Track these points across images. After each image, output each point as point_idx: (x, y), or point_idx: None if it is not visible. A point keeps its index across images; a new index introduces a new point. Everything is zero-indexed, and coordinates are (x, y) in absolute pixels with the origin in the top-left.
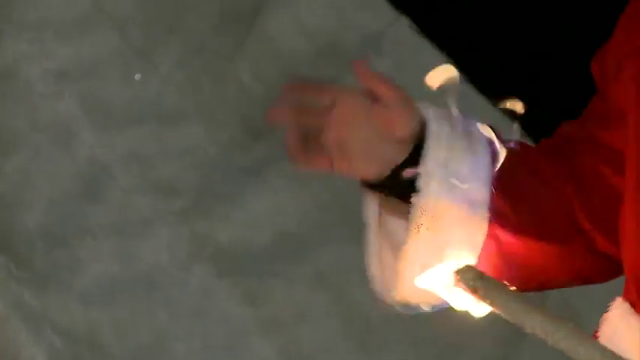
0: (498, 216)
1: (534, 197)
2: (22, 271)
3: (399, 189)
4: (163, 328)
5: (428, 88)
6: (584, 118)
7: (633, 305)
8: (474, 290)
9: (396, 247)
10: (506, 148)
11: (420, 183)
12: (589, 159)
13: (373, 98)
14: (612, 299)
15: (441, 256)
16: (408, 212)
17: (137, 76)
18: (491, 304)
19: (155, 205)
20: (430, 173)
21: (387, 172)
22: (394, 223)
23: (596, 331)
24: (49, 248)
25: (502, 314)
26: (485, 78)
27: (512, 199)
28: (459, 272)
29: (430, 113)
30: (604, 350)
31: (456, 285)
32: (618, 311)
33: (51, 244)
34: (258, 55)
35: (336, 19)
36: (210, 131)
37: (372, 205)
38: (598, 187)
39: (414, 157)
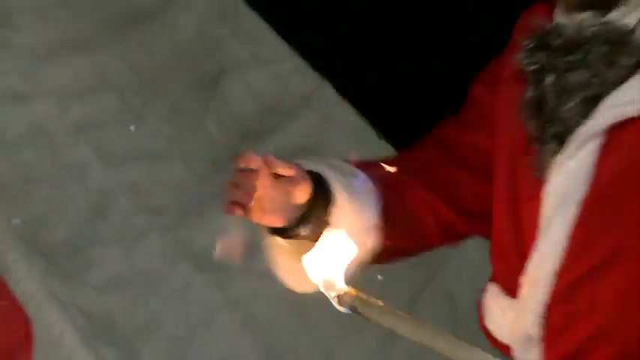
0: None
1: (402, 218)
2: (54, 270)
3: (292, 235)
4: (156, 311)
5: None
6: (458, 123)
7: (501, 287)
8: (354, 309)
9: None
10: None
11: (332, 220)
12: (456, 166)
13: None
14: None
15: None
16: (297, 251)
17: (132, 127)
18: (368, 317)
19: (148, 221)
20: (340, 207)
21: (288, 225)
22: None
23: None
24: (72, 253)
25: (377, 322)
26: (398, 132)
27: (388, 223)
28: (339, 297)
29: (329, 175)
30: (457, 341)
31: (339, 305)
32: (490, 293)
33: (73, 250)
34: (221, 111)
35: (277, 84)
36: (189, 167)
37: (271, 243)
38: (464, 192)
39: (307, 214)
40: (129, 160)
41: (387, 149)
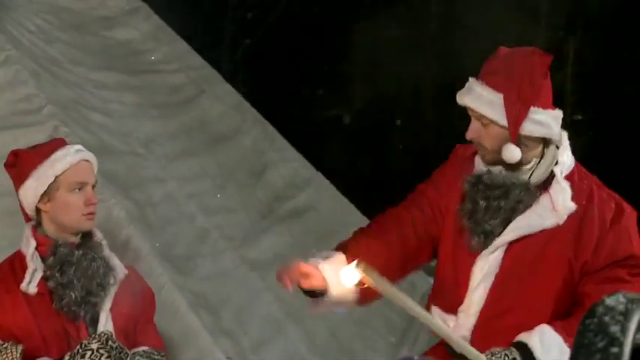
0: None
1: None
2: (176, 270)
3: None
4: (229, 291)
5: None
6: (410, 206)
7: (439, 309)
8: (367, 276)
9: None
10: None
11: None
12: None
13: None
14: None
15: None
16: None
17: (219, 195)
18: (375, 285)
19: (226, 244)
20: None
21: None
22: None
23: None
24: (186, 261)
25: (382, 293)
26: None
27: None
28: (358, 265)
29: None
30: (429, 317)
31: (358, 272)
32: (433, 311)
33: (186, 259)
34: (264, 187)
35: (290, 173)
36: (249, 215)
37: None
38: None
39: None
40: (217, 212)
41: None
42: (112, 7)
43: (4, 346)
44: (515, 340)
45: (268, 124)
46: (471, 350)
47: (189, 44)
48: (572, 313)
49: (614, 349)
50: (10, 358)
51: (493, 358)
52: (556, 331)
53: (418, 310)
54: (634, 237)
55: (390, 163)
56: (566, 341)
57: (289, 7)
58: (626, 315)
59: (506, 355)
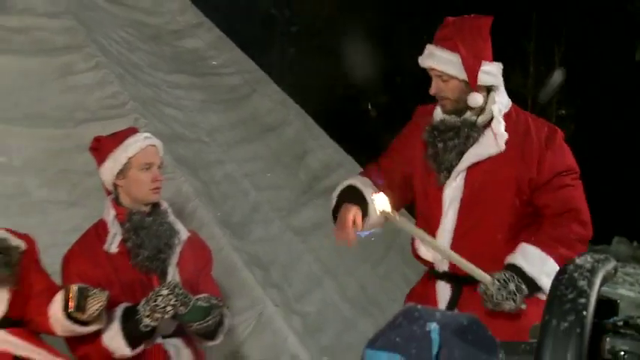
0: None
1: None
2: (233, 235)
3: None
4: (275, 252)
5: None
6: (388, 158)
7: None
8: (387, 217)
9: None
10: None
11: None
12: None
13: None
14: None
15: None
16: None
17: (268, 175)
18: (394, 221)
19: (274, 214)
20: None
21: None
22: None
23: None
24: (241, 227)
25: (399, 226)
26: None
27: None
28: (382, 212)
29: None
30: (435, 242)
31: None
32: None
33: (242, 225)
34: (304, 169)
35: (326, 157)
36: (293, 191)
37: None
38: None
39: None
40: (267, 188)
41: None
42: (182, 22)
43: (94, 291)
44: (505, 264)
45: (308, 117)
46: (477, 270)
47: (244, 52)
48: (539, 224)
49: (582, 300)
50: (99, 301)
51: (497, 278)
52: (533, 245)
53: (424, 235)
54: (567, 151)
55: None
56: (543, 251)
57: (326, 23)
58: (592, 271)
59: (511, 276)
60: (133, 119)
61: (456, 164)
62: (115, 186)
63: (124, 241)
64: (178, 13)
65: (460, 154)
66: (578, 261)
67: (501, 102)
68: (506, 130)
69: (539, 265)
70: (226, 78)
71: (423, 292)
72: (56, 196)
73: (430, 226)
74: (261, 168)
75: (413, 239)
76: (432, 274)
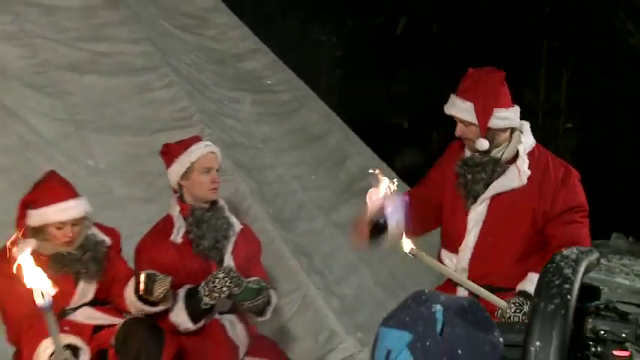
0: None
1: (418, 217)
2: (283, 228)
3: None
4: (316, 241)
5: None
6: (424, 186)
7: (447, 250)
8: (414, 254)
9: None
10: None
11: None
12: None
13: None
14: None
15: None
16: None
17: (313, 177)
18: (420, 259)
19: (317, 211)
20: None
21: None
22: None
23: None
24: (290, 222)
25: (424, 261)
26: None
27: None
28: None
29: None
30: (458, 276)
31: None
32: (442, 251)
33: (290, 221)
34: (344, 171)
35: (363, 163)
36: (334, 190)
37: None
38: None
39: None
40: (312, 189)
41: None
42: (242, 47)
43: (160, 276)
44: (517, 291)
45: (348, 128)
46: (492, 296)
47: (295, 73)
48: (545, 252)
49: (567, 286)
50: (164, 285)
51: (513, 302)
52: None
53: (449, 271)
54: (579, 191)
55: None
56: None
57: (368, 50)
58: (577, 261)
59: (525, 300)
60: (199, 129)
61: (482, 193)
62: (180, 186)
63: (187, 233)
64: (239, 40)
65: (487, 185)
66: (564, 252)
67: (527, 142)
68: (528, 168)
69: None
70: (279, 95)
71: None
72: (134, 194)
73: (454, 243)
74: (307, 171)
75: (439, 251)
76: (454, 282)
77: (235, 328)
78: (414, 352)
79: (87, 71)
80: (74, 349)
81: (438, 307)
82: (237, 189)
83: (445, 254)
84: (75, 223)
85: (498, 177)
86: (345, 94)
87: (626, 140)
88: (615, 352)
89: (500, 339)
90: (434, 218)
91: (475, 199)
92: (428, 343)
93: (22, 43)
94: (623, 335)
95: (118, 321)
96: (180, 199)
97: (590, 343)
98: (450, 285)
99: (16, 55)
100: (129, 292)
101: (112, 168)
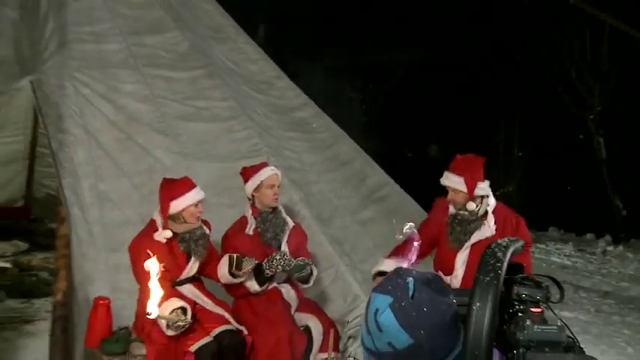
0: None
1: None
2: (318, 216)
3: None
4: (344, 235)
5: None
6: (426, 227)
7: (442, 273)
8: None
9: None
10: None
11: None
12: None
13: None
14: None
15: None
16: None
17: (344, 188)
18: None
19: (345, 211)
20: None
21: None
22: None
23: None
24: (327, 222)
25: None
26: None
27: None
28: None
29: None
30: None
31: None
32: (439, 273)
33: (326, 221)
34: (363, 186)
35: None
36: (357, 196)
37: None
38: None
39: None
40: (343, 197)
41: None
42: (295, 102)
43: (246, 258)
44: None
45: (368, 156)
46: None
47: (331, 118)
48: None
49: (498, 264)
50: (251, 264)
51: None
52: None
53: None
54: (527, 232)
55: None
56: None
57: (383, 104)
58: (506, 247)
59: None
60: (265, 157)
61: (466, 240)
62: (253, 196)
63: (256, 228)
64: (294, 97)
65: (470, 234)
66: (499, 241)
67: (491, 204)
68: (495, 222)
69: None
70: (320, 134)
71: None
72: (222, 202)
73: (445, 271)
74: (339, 186)
75: (435, 264)
76: None
77: (289, 293)
78: (394, 310)
79: (192, 120)
80: (184, 310)
81: (410, 279)
82: (291, 198)
83: (441, 275)
84: (200, 203)
85: (476, 229)
86: (368, 134)
87: (562, 160)
88: (532, 309)
89: (454, 300)
90: (427, 252)
91: (461, 244)
92: (403, 304)
93: (151, 102)
94: (538, 297)
95: (211, 305)
96: (252, 205)
97: (515, 303)
98: None
99: (147, 110)
100: (222, 269)
101: (208, 184)
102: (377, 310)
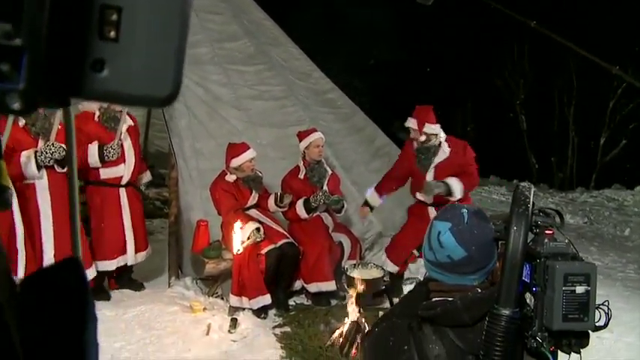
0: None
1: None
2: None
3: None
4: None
5: None
6: (396, 169)
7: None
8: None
9: None
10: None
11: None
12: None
13: None
14: None
15: None
16: None
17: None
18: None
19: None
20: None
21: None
22: None
23: None
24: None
25: None
26: None
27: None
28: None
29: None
30: None
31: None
32: None
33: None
34: (376, 160)
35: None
36: (367, 168)
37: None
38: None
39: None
40: (359, 153)
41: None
42: (326, 87)
43: (285, 194)
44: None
45: (375, 125)
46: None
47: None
48: (462, 178)
49: (527, 200)
50: (289, 198)
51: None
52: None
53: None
54: (472, 152)
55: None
56: (459, 181)
57: (373, 91)
58: (529, 189)
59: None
60: (307, 125)
61: (430, 164)
62: (304, 152)
63: (306, 174)
64: (325, 84)
65: (432, 159)
66: (523, 184)
67: (442, 136)
68: (450, 147)
69: (455, 183)
70: (343, 109)
71: (419, 212)
72: (279, 155)
73: (418, 190)
74: (356, 146)
75: (411, 189)
76: (423, 204)
77: (327, 219)
78: (452, 232)
79: (257, 99)
80: (258, 229)
81: (465, 210)
82: (328, 155)
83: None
84: (252, 159)
85: (435, 155)
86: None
87: (504, 125)
88: (546, 231)
89: (493, 226)
90: (402, 182)
91: (426, 168)
92: (460, 227)
93: (229, 87)
94: (549, 223)
95: (273, 224)
96: (303, 158)
97: (533, 227)
98: (422, 207)
99: (226, 92)
100: (270, 201)
101: (269, 143)
102: (439, 232)
